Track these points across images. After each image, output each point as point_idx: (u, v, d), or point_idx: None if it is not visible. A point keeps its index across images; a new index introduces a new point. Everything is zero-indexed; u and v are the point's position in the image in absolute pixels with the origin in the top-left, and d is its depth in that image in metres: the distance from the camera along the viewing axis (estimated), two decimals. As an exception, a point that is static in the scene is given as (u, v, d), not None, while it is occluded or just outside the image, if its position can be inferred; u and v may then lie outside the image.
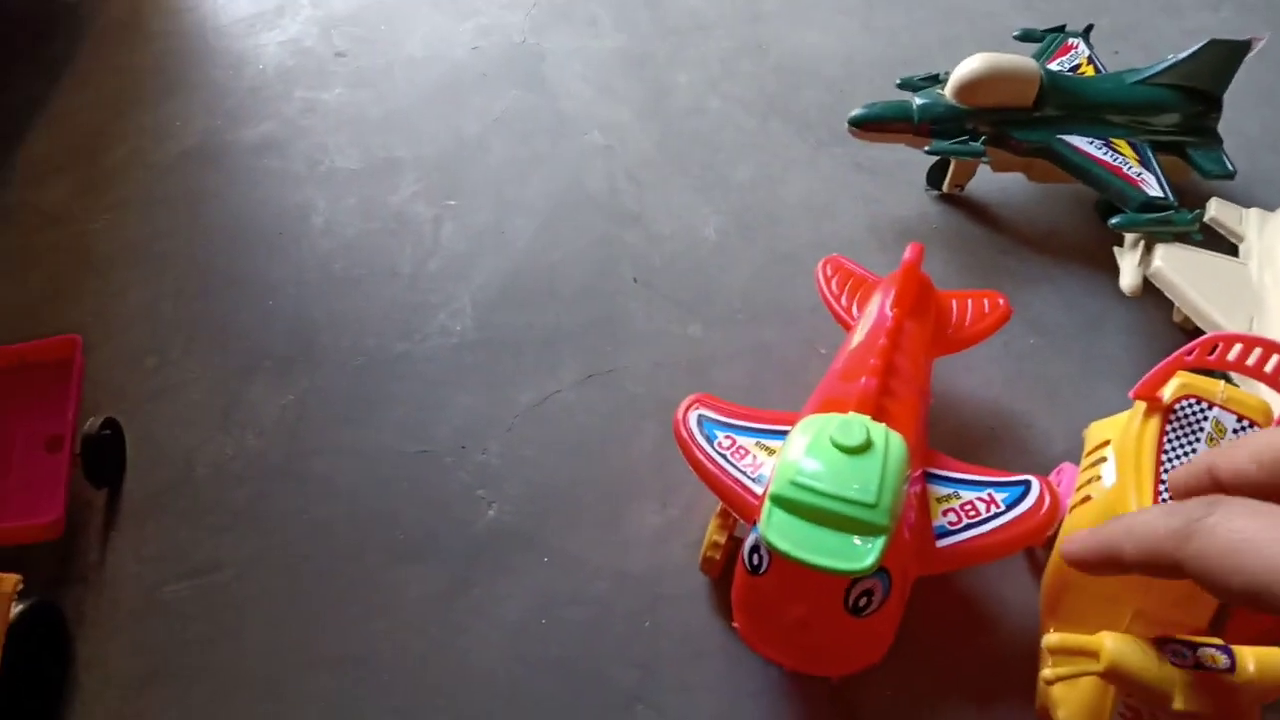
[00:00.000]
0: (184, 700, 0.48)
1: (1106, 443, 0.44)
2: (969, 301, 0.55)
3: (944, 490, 0.47)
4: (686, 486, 0.53)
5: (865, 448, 0.42)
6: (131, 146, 0.71)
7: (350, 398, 0.58)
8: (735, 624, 0.45)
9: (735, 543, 0.50)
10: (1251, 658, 0.35)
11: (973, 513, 0.46)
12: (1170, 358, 0.42)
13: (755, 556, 0.42)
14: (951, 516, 0.46)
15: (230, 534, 0.53)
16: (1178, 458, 0.41)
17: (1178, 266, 0.56)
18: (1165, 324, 0.61)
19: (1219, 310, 0.54)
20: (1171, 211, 0.58)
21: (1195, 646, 0.35)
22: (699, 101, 0.75)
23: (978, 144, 0.60)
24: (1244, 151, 0.67)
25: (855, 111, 0.62)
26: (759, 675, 0.49)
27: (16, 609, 0.45)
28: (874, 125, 0.62)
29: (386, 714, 0.48)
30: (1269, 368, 0.41)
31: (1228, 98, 0.65)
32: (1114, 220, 0.58)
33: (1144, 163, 0.60)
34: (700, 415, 0.49)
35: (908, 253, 0.52)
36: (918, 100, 0.62)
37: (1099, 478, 0.42)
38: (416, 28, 0.79)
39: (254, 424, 0.57)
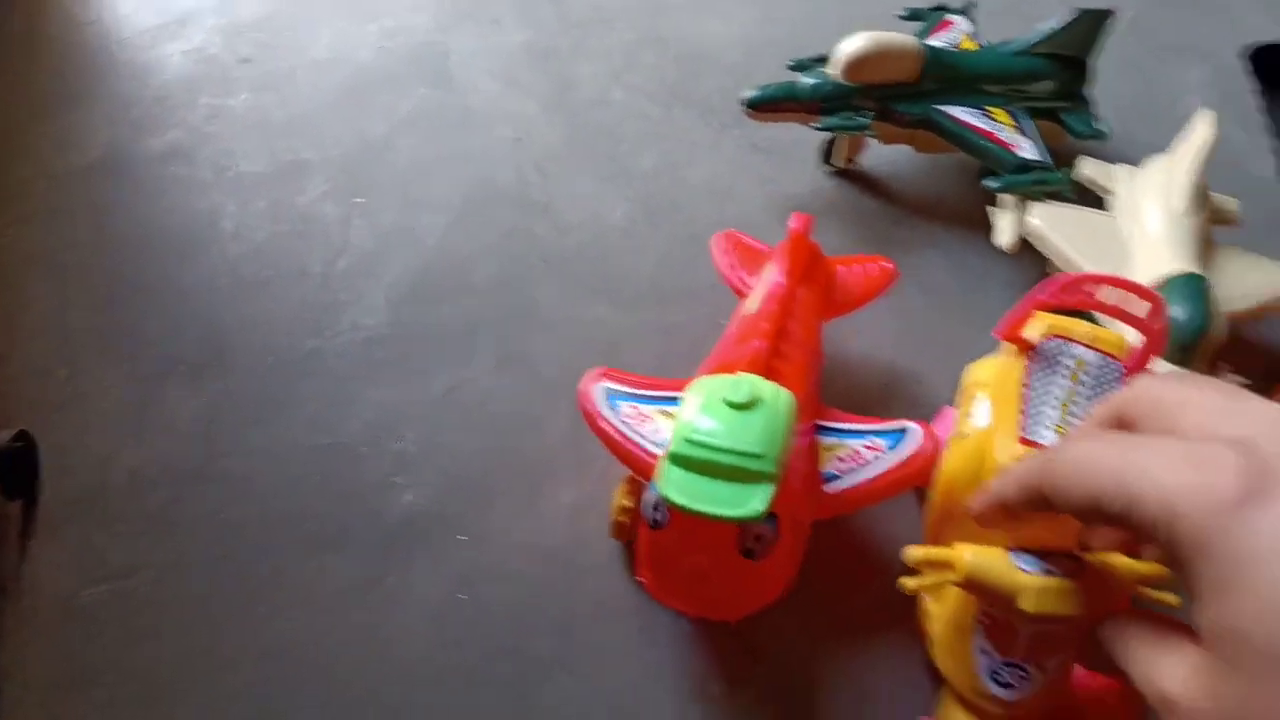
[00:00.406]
0: (106, 703, 0.49)
1: (979, 383, 0.46)
2: (856, 266, 0.58)
3: (831, 440, 0.50)
4: (600, 462, 0.55)
5: (753, 403, 0.44)
6: (35, 160, 0.70)
7: (262, 398, 0.59)
8: (641, 579, 0.47)
9: (644, 510, 0.52)
10: (1096, 562, 0.38)
11: (859, 459, 0.48)
12: (1026, 297, 0.44)
13: (656, 512, 0.44)
14: (839, 464, 0.49)
15: (147, 538, 0.54)
16: (1041, 394, 0.44)
17: (1050, 222, 0.59)
18: (1042, 277, 0.63)
19: (1088, 260, 0.57)
20: (1045, 172, 0.61)
21: (1047, 555, 0.38)
22: (603, 93, 0.77)
23: (863, 118, 0.63)
24: (1116, 116, 0.70)
25: (748, 93, 0.64)
26: (670, 630, 0.51)
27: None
28: (766, 106, 0.64)
29: (309, 703, 0.49)
30: (1114, 300, 0.44)
31: (1101, 67, 0.68)
32: (990, 183, 0.61)
33: (1019, 128, 0.63)
34: (604, 388, 0.51)
35: (793, 222, 0.54)
36: (806, 80, 0.64)
37: (970, 416, 0.45)
38: (321, 32, 0.80)
39: (167, 429, 0.58)
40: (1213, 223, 0.61)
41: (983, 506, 0.35)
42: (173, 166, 0.70)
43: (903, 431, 0.49)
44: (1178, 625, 0.30)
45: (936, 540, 0.46)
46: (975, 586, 0.39)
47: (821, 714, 0.49)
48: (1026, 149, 0.62)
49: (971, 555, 0.39)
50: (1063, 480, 0.30)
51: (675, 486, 0.42)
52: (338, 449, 0.57)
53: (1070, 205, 0.61)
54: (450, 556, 0.53)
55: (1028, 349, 0.45)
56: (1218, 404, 0.29)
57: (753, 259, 0.58)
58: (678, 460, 0.43)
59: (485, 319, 0.63)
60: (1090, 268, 0.57)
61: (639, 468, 0.48)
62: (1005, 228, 0.61)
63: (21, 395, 0.58)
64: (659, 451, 0.47)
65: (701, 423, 0.44)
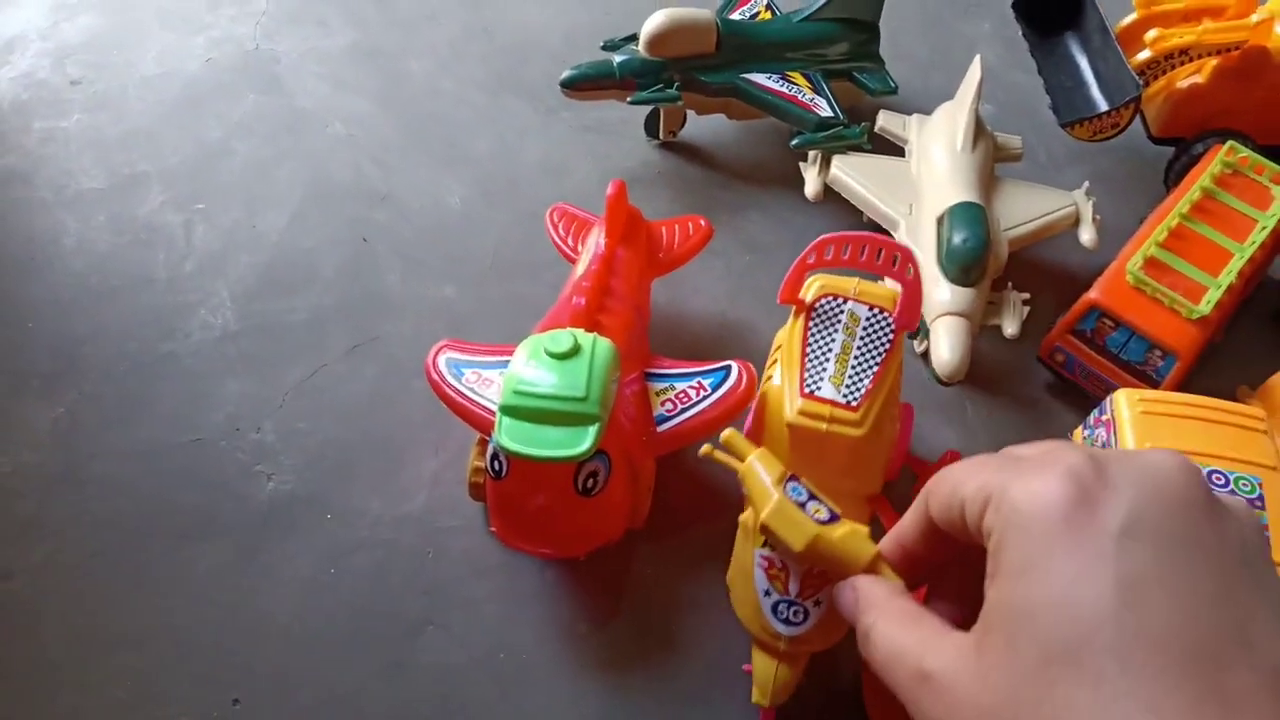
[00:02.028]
0: (-14, 704, 0.50)
1: (776, 346, 0.51)
2: (675, 227, 0.63)
3: (661, 385, 0.54)
4: (456, 431, 0.58)
5: (573, 352, 0.48)
6: None
7: (120, 402, 0.60)
8: (492, 528, 0.50)
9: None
10: (847, 527, 0.39)
11: (685, 399, 0.53)
12: (794, 264, 0.49)
13: (495, 463, 0.48)
14: (669, 405, 0.53)
15: (18, 544, 0.55)
16: (820, 350, 0.49)
17: (849, 171, 0.65)
18: (859, 226, 0.69)
19: (883, 202, 0.63)
20: (842, 127, 0.66)
21: (815, 497, 0.41)
22: (433, 85, 0.80)
23: (673, 90, 0.67)
24: (916, 72, 0.77)
25: (564, 74, 0.68)
26: (533, 580, 0.54)
27: None
28: (582, 84, 0.68)
29: (188, 681, 0.51)
30: (864, 257, 0.49)
31: (898, 24, 0.74)
32: (794, 141, 0.67)
33: (816, 89, 0.69)
34: (448, 358, 0.55)
35: (610, 189, 0.58)
36: (617, 58, 0.68)
37: (771, 377, 0.50)
38: (148, 48, 0.81)
39: (28, 440, 0.59)
40: (998, 159, 0.68)
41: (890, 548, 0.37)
42: (10, 190, 0.71)
43: (725, 370, 0.54)
44: (928, 609, 0.33)
45: None
46: (745, 485, 0.42)
47: (680, 642, 0.53)
48: (824, 108, 0.67)
49: (755, 459, 0.42)
50: (939, 497, 0.33)
51: (508, 434, 0.46)
52: (199, 444, 0.59)
53: (867, 154, 0.67)
54: (318, 535, 0.56)
55: (805, 309, 0.50)
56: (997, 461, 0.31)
57: (581, 227, 0.62)
58: (508, 410, 0.47)
59: (334, 308, 0.65)
60: (885, 208, 0.63)
61: (486, 428, 0.52)
62: (810, 180, 0.67)
63: (-128, 424, 0.59)
64: None
65: (527, 374, 0.48)
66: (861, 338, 0.49)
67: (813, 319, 0.50)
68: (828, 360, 0.48)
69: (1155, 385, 0.57)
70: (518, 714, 0.50)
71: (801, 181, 0.70)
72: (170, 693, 0.50)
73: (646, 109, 0.73)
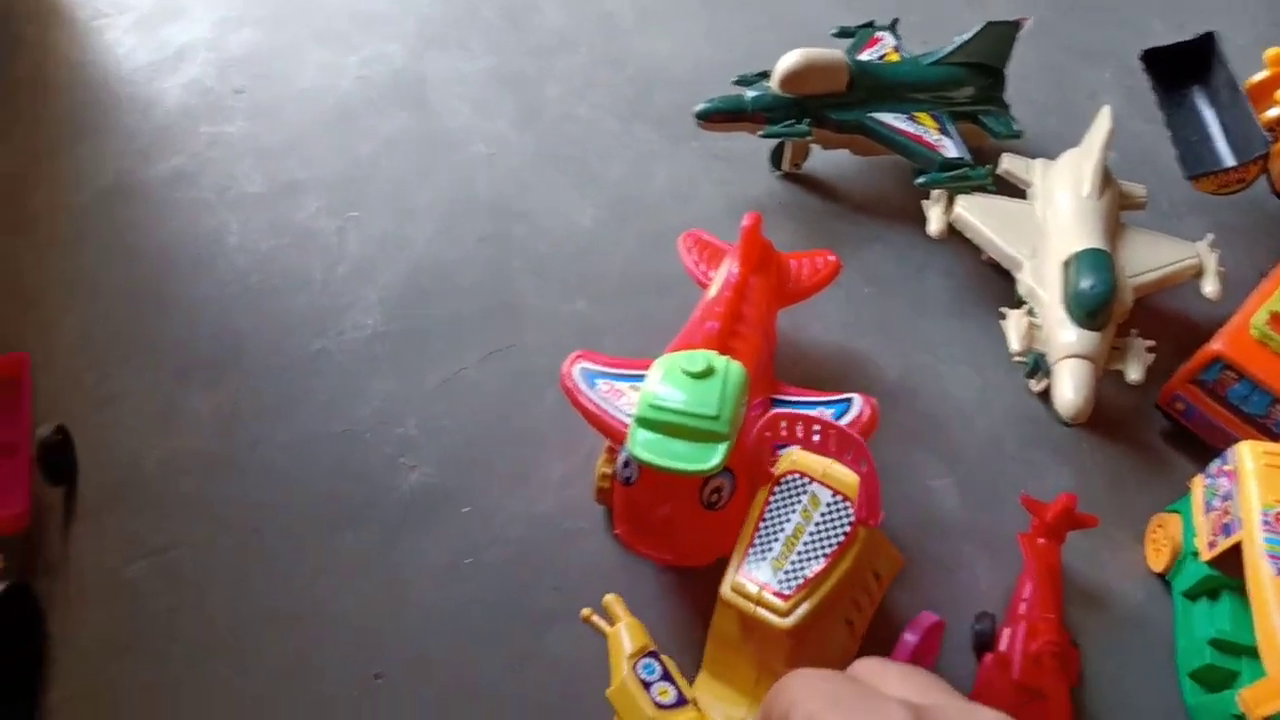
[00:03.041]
0: (153, 666, 0.55)
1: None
2: (805, 260, 0.65)
3: (786, 410, 0.56)
4: (584, 439, 0.62)
5: (708, 373, 0.51)
6: (51, 192, 0.76)
7: (277, 393, 0.65)
8: (617, 531, 0.54)
9: (624, 476, 0.59)
10: (690, 715, 0.42)
11: (809, 427, 0.55)
12: (754, 433, 0.50)
13: (626, 470, 0.51)
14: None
15: (181, 520, 0.60)
16: (773, 528, 0.48)
17: (974, 211, 0.67)
18: (976, 264, 0.72)
19: (1008, 243, 0.65)
20: (968, 168, 0.69)
21: (668, 678, 0.44)
22: (569, 110, 0.84)
23: (803, 125, 0.70)
24: (1035, 115, 0.78)
25: (698, 107, 0.72)
26: (654, 585, 0.57)
27: (-3, 588, 0.51)
28: (716, 116, 0.71)
29: (336, 656, 0.55)
30: (817, 440, 0.49)
31: (1020, 70, 0.76)
32: (920, 179, 0.69)
33: (943, 130, 0.71)
34: (582, 368, 0.58)
35: (745, 220, 0.61)
36: (750, 93, 0.71)
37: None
38: (306, 63, 0.87)
39: (192, 424, 0.64)
40: (1122, 207, 0.69)
41: None
42: (179, 190, 0.77)
43: (848, 402, 0.56)
44: None
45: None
46: (610, 651, 0.46)
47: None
48: (950, 148, 0.70)
49: (622, 628, 0.46)
50: (775, 711, 0.32)
51: (642, 445, 0.49)
52: (349, 435, 0.63)
53: (992, 196, 0.69)
54: (455, 525, 0.60)
55: (771, 481, 0.50)
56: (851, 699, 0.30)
57: (713, 254, 0.65)
58: (643, 423, 0.50)
59: (473, 315, 0.69)
60: (1009, 249, 0.65)
61: (615, 436, 0.55)
62: (934, 218, 0.69)
63: (57, 400, 0.64)
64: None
65: (663, 390, 0.51)
66: (817, 523, 0.48)
67: (775, 492, 0.50)
68: (776, 540, 0.48)
69: (1276, 439, 0.58)
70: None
71: (921, 216, 0.72)
72: (319, 667, 0.54)
73: (773, 142, 0.76)
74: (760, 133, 0.71)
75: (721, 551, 0.53)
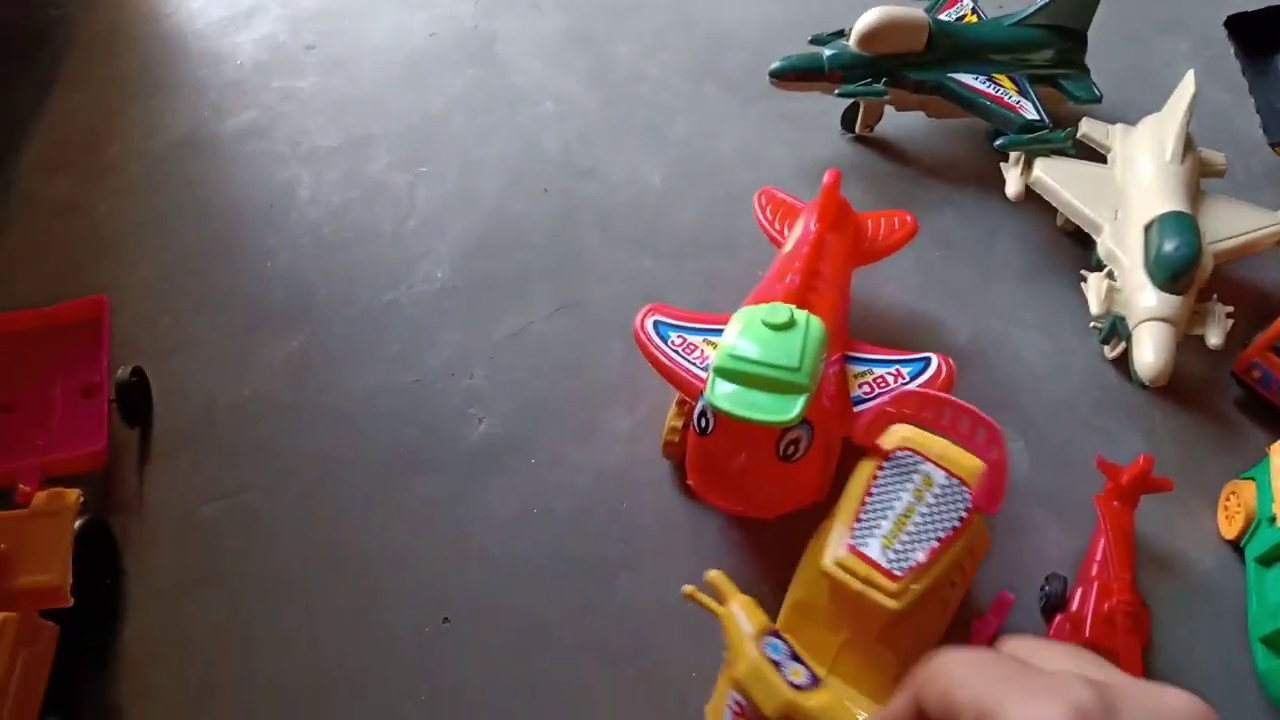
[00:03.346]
0: (226, 601, 0.56)
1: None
2: (881, 220, 0.65)
3: (860, 369, 0.56)
4: (651, 393, 0.62)
5: (789, 325, 0.50)
6: (125, 140, 0.78)
7: (348, 342, 0.66)
8: (689, 481, 0.54)
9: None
10: (826, 696, 0.40)
11: (884, 384, 0.55)
12: (874, 407, 0.49)
13: (703, 420, 0.51)
14: (866, 388, 0.55)
15: (254, 462, 0.61)
16: (882, 504, 0.46)
17: (1053, 174, 0.66)
18: (1050, 230, 0.70)
19: (1088, 206, 0.64)
20: (1047, 131, 0.67)
21: (796, 658, 0.41)
22: (638, 70, 0.83)
23: (879, 85, 0.69)
24: (1113, 82, 0.76)
25: (773, 65, 0.71)
26: (721, 538, 0.57)
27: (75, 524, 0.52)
28: (791, 76, 0.70)
29: (404, 600, 0.55)
30: (947, 422, 0.47)
31: (1097, 37, 0.75)
32: (999, 141, 0.68)
33: (1022, 92, 0.69)
34: (655, 320, 0.58)
35: (826, 177, 0.60)
36: (826, 52, 0.71)
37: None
38: (377, 20, 0.87)
39: (265, 370, 0.65)
40: (1202, 174, 0.67)
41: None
42: (251, 144, 0.77)
43: (925, 361, 0.56)
44: None
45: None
46: (725, 632, 0.43)
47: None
48: (1029, 111, 0.68)
49: (737, 606, 0.43)
50: (932, 693, 0.31)
51: (722, 396, 0.49)
52: (418, 386, 0.64)
53: (1070, 159, 0.67)
54: (523, 475, 0.60)
55: (881, 455, 0.48)
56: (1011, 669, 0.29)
57: (788, 212, 0.65)
58: (723, 373, 0.50)
59: (541, 270, 0.70)
60: (1090, 213, 0.64)
61: (687, 389, 0.55)
62: (1013, 181, 0.68)
63: (131, 344, 0.65)
64: (704, 375, 0.54)
65: (742, 342, 0.50)
66: (930, 504, 0.46)
67: (885, 468, 0.48)
68: (885, 517, 0.46)
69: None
70: (699, 659, 0.52)
71: (995, 180, 0.71)
72: (389, 608, 0.55)
73: (843, 103, 0.76)
74: (836, 91, 0.70)
75: (793, 504, 0.53)
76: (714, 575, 0.45)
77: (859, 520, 0.46)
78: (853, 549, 0.45)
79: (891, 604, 0.43)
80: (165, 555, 0.57)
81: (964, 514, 0.46)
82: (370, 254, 0.70)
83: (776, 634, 0.42)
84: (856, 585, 0.44)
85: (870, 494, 0.47)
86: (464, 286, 0.69)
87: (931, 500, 0.46)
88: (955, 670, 0.30)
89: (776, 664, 0.41)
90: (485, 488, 0.59)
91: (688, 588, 0.45)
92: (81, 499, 0.53)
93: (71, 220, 0.73)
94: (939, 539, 0.45)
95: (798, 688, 0.40)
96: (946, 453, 0.47)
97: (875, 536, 0.45)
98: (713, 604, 0.44)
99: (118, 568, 0.57)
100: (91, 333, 0.62)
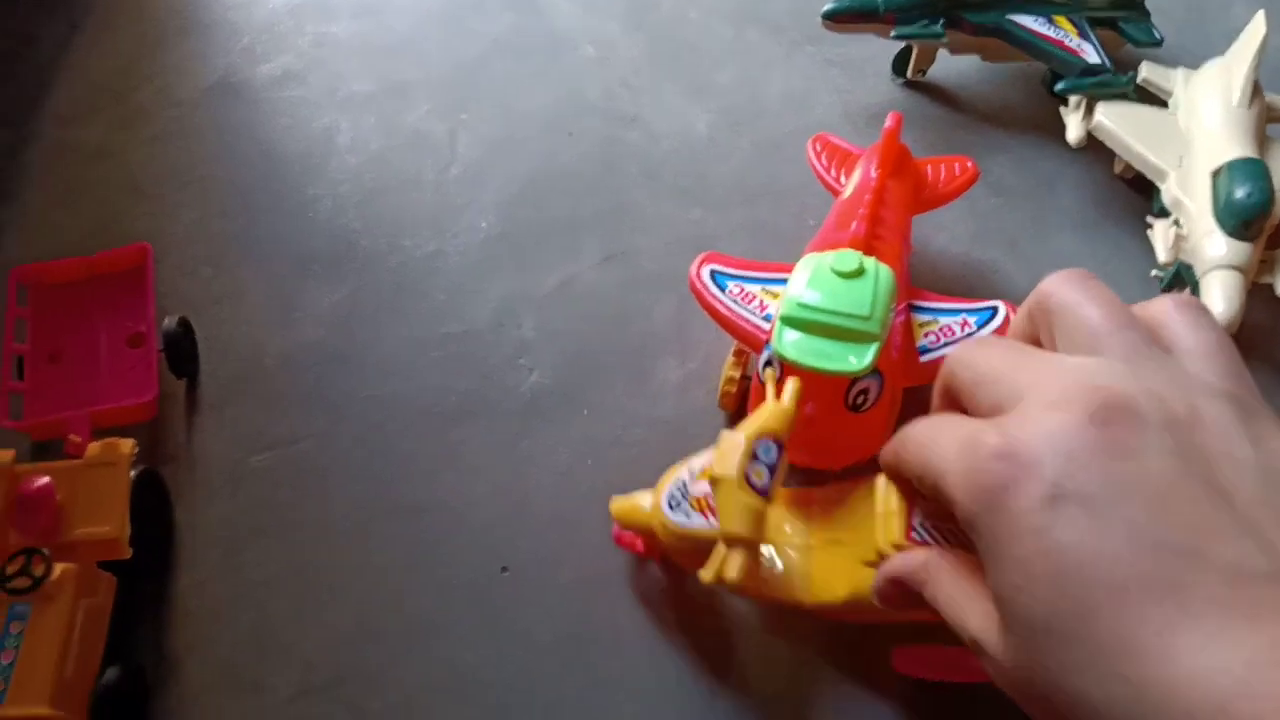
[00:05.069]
0: (282, 549, 0.55)
1: None
2: (941, 166, 0.63)
3: (925, 318, 0.55)
4: (703, 344, 0.61)
5: (859, 273, 0.49)
6: (157, 85, 0.76)
7: (395, 291, 0.65)
8: None
9: (747, 381, 0.58)
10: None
11: (950, 333, 0.54)
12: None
13: (767, 370, 0.50)
14: (932, 338, 0.54)
15: (302, 412, 0.60)
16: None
17: (1116, 119, 0.64)
18: (1108, 177, 0.69)
19: (1153, 152, 0.62)
20: (1109, 75, 0.66)
21: (774, 472, 0.43)
22: (680, 14, 0.81)
23: (937, 27, 0.67)
24: (1170, 27, 0.74)
25: (826, 6, 0.69)
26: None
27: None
28: (844, 17, 0.68)
29: (460, 549, 0.55)
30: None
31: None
32: (1059, 85, 0.66)
33: (1083, 35, 0.67)
34: (712, 269, 0.57)
35: (889, 121, 0.59)
36: (881, -7, 0.69)
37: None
38: (409, -37, 0.85)
39: (311, 319, 0.64)
40: (1269, 120, 0.66)
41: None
42: (287, 90, 0.76)
43: (993, 310, 0.54)
44: (971, 567, 0.33)
45: None
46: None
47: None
48: (1090, 54, 0.66)
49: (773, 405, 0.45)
50: (903, 455, 0.36)
51: (791, 345, 0.48)
52: (468, 335, 0.63)
53: (1133, 104, 0.66)
54: (575, 425, 0.59)
55: None
56: (1007, 361, 0.33)
57: (845, 158, 0.63)
58: (791, 322, 0.48)
59: (588, 219, 0.68)
60: (1154, 159, 0.62)
61: (747, 339, 0.54)
62: (1073, 126, 0.66)
63: (173, 293, 0.64)
64: (765, 325, 0.53)
65: (811, 290, 0.49)
66: None
67: None
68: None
69: None
70: (756, 612, 0.52)
71: (1050, 127, 0.69)
72: (445, 558, 0.55)
73: (894, 47, 0.74)
74: (892, 34, 0.68)
75: (860, 455, 0.52)
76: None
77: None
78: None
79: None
80: (217, 506, 0.57)
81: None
82: (413, 202, 0.69)
83: (782, 446, 0.43)
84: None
85: None
86: (509, 236, 0.67)
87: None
88: (920, 434, 0.35)
89: (754, 456, 0.42)
90: (538, 438, 0.59)
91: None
92: (135, 449, 0.52)
93: (106, 166, 0.72)
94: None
95: (751, 485, 0.41)
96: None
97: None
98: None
99: (170, 519, 0.56)
100: (135, 281, 0.61)
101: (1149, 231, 0.63)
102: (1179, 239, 0.60)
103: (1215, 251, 0.57)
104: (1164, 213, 0.62)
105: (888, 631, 0.49)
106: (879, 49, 0.74)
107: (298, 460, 0.58)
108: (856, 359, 0.47)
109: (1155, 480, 0.27)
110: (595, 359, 0.62)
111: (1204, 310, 0.34)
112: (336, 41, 0.79)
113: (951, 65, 0.75)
